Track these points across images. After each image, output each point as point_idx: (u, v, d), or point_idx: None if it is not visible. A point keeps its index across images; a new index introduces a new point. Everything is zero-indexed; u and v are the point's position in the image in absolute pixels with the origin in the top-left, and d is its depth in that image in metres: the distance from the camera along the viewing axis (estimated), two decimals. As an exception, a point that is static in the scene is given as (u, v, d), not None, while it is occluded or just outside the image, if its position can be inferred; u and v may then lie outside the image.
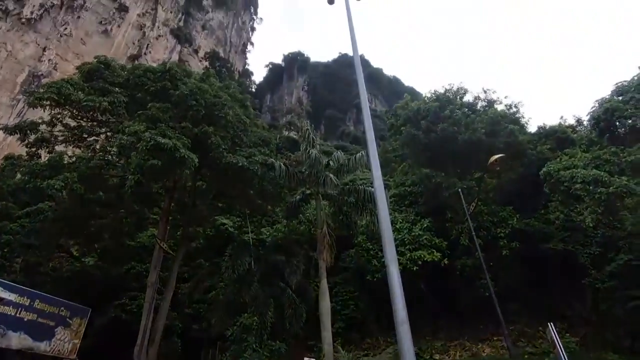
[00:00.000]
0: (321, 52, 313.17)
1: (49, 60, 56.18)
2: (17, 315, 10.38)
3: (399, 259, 8.40)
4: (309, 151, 16.18)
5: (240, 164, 15.26)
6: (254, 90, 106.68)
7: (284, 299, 15.23)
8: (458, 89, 22.11)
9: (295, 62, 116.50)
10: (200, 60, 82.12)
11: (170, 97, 15.96)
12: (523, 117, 21.95)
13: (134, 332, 17.33)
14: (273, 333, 14.42)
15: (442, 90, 22.22)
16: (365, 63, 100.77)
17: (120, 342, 19.99)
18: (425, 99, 23.44)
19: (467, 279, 17.96)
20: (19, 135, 15.31)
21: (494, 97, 22.12)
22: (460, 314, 18.64)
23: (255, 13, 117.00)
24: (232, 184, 18.44)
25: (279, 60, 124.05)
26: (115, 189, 18.61)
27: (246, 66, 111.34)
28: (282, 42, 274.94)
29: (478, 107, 21.90)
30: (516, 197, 20.70)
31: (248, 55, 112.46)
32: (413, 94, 42.70)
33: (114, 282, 23.25)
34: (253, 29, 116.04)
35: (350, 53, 10.94)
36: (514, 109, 21.39)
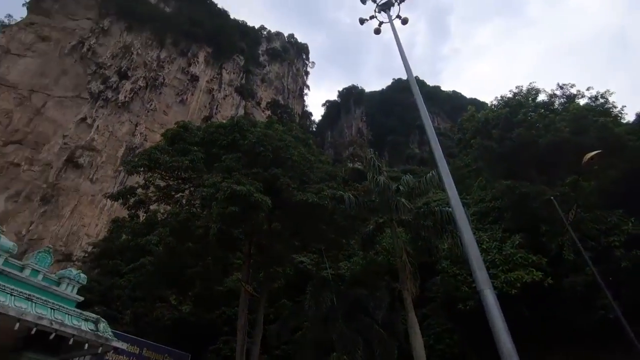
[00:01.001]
0: (374, 82, 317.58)
1: (140, 133, 65.03)
2: (131, 363, 11.40)
3: (492, 282, 7.55)
4: (376, 179, 15.93)
5: (311, 200, 15.54)
6: (314, 129, 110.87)
7: (371, 335, 14.52)
8: (529, 90, 20.43)
9: (351, 96, 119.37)
10: (263, 110, 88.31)
11: (240, 147, 17.21)
12: (614, 108, 19.32)
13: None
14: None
15: (510, 95, 20.72)
16: (420, 83, 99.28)
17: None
18: (492, 107, 22.03)
19: (580, 299, 15.47)
20: (121, 200, 17.58)
21: (573, 91, 19.98)
22: (578, 342, 15.93)
23: (307, 59, 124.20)
24: (304, 221, 18.79)
25: (334, 96, 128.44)
26: (201, 238, 20.13)
27: (305, 108, 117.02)
28: (335, 80, 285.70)
29: (556, 106, 19.90)
30: (624, 197, 17.78)
31: (305, 97, 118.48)
32: (476, 105, 40.54)
33: (207, 327, 24.55)
34: (307, 73, 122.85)
35: (404, 76, 10.83)
36: (601, 100, 18.99)
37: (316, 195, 16.00)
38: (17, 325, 6.30)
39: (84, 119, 61.48)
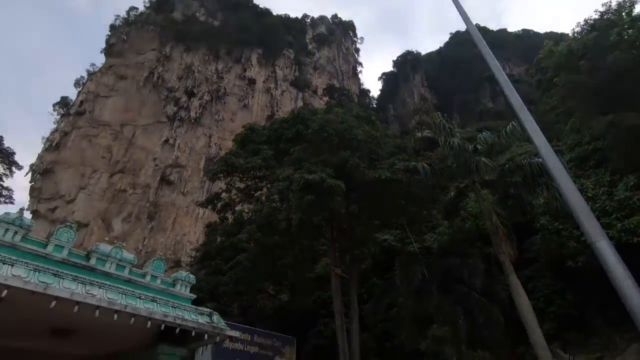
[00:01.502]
0: (430, 42, 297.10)
1: (215, 144, 70.22)
2: (244, 349, 12.60)
3: (607, 233, 6.63)
4: (449, 142, 14.99)
5: (384, 177, 15.29)
6: (374, 105, 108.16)
7: (470, 303, 13.90)
8: (620, 3, 17.16)
9: (407, 63, 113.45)
10: (321, 98, 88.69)
11: (305, 137, 17.56)
12: None
13: (335, 355, 18.68)
14: (471, 342, 13.21)
15: (596, 16, 17.67)
16: (482, 30, 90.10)
17: (326, 365, 21.85)
18: (575, 35, 19.05)
19: None
20: (210, 206, 19.27)
21: (683, -8, 16.26)
22: None
23: (355, 35, 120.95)
24: (381, 198, 18.58)
25: (389, 67, 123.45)
26: (286, 231, 21.20)
27: (361, 86, 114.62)
28: (388, 50, 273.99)
29: (660, 14, 16.41)
30: None
31: (360, 76, 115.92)
32: (554, 38, 35.41)
33: (306, 312, 25.92)
34: (357, 51, 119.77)
35: (462, 28, 9.87)
36: None
37: (388, 171, 15.68)
38: (149, 323, 7.36)
39: (166, 141, 68.43)
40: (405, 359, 21.68)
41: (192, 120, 71.28)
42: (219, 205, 19.16)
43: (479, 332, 14.07)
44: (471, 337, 13.82)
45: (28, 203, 60.92)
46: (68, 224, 8.26)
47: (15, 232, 7.01)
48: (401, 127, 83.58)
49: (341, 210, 21.62)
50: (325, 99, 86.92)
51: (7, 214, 7.18)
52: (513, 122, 14.89)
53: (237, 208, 19.83)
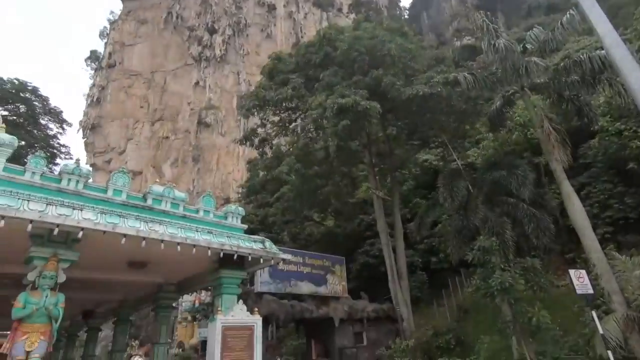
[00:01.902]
0: None
1: (244, 80, 69.18)
2: (298, 270, 13.68)
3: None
4: (493, 44, 13.47)
5: (421, 93, 14.40)
6: (406, 17, 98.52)
7: (519, 214, 13.69)
8: None
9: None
10: (347, 15, 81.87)
11: (334, 59, 16.61)
12: None
13: (383, 272, 19.87)
14: (519, 251, 13.29)
15: None
16: None
17: (375, 281, 23.42)
18: None
19: None
20: (248, 143, 19.62)
21: None
22: None
23: None
24: (420, 117, 17.80)
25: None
26: (324, 160, 21.36)
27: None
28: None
29: None
30: None
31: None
32: None
33: (351, 235, 27.20)
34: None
35: None
36: None
37: (426, 85, 14.69)
38: (209, 252, 8.04)
39: (197, 83, 68.50)
40: (450, 272, 22.62)
41: (218, 59, 69.86)
42: (256, 140, 19.42)
43: (527, 241, 14.05)
44: (519, 246, 13.87)
45: (86, 158, 66.00)
46: (121, 169, 8.80)
47: (77, 181, 7.60)
48: (438, 38, 76.28)
49: (378, 133, 21.14)
50: (352, 16, 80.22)
51: (65, 165, 7.74)
52: (571, 10, 12.92)
53: (274, 142, 20.02)
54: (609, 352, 8.78)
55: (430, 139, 21.99)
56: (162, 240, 7.32)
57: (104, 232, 6.66)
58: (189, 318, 30.02)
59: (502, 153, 20.21)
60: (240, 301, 9.07)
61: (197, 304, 29.73)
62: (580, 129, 17.78)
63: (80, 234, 6.43)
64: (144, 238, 7.06)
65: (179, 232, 7.84)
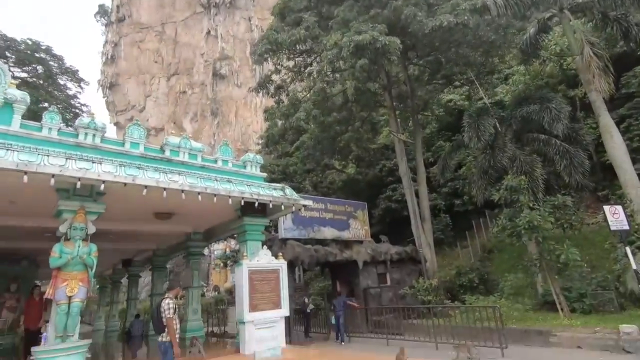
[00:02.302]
0: None
1: (256, 26, 66.10)
2: (320, 216, 13.83)
3: None
4: (530, -41, 11.84)
5: (446, 23, 13.14)
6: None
7: (550, 151, 12.94)
8: None
9: None
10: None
11: (349, -8, 15.25)
12: None
13: (405, 216, 19.89)
14: (548, 190, 12.77)
15: None
16: None
17: (397, 225, 23.62)
18: None
19: None
20: (264, 90, 19.04)
21: None
22: None
23: None
24: (444, 52, 16.50)
25: None
26: (343, 105, 20.65)
27: None
28: None
29: None
30: None
31: None
32: None
33: (373, 181, 27.07)
34: None
35: None
36: None
37: (451, 15, 13.35)
38: (230, 201, 8.10)
39: (208, 33, 66.12)
40: (475, 214, 22.39)
41: (228, 5, 66.48)
42: (272, 88, 18.81)
43: (558, 179, 13.42)
44: (548, 185, 13.30)
45: (108, 117, 67.14)
46: (135, 121, 8.73)
47: (94, 135, 7.60)
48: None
49: (399, 73, 19.98)
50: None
51: (80, 119, 7.71)
52: None
53: (289, 88, 19.34)
54: (641, 287, 8.57)
55: (455, 77, 20.61)
56: (182, 191, 7.36)
57: (125, 184, 6.72)
58: (221, 265, 31.87)
59: (534, 87, 18.80)
60: (265, 247, 9.29)
61: (227, 251, 31.41)
62: (624, 54, 16.08)
63: (102, 186, 6.51)
64: (164, 189, 7.11)
65: (198, 182, 7.85)
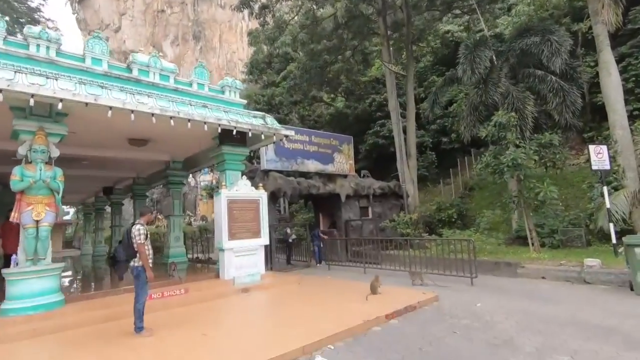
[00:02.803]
0: None
1: None
2: (304, 148, 13.50)
3: None
4: None
5: None
6: None
7: (544, 88, 12.48)
8: None
9: None
10: None
11: None
12: None
13: (392, 153, 19.75)
14: (537, 127, 12.58)
15: None
16: None
17: (383, 161, 23.64)
18: None
19: None
20: (247, 10, 17.32)
21: None
22: None
23: None
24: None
25: None
26: (333, 32, 19.15)
27: None
28: None
29: None
30: None
31: None
32: None
33: (362, 116, 26.39)
34: None
35: None
36: None
37: None
38: (205, 127, 7.62)
39: (187, -59, 58.72)
40: (460, 152, 22.43)
41: None
42: (256, 7, 17.10)
43: (548, 118, 13.18)
44: (537, 124, 13.08)
45: (81, 37, 61.83)
46: (95, 33, 7.78)
47: (48, 47, 6.76)
48: None
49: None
50: None
51: (29, 27, 6.78)
52: None
53: (275, 8, 17.63)
54: (611, 225, 8.86)
55: (456, 3, 19.04)
56: (152, 114, 6.83)
57: (86, 104, 6.14)
58: (207, 195, 32.09)
59: (537, 20, 17.62)
60: (244, 177, 9.07)
61: (214, 182, 31.43)
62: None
63: (60, 105, 5.92)
64: (132, 111, 6.56)
65: (170, 105, 7.29)
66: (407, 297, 6.94)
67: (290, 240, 14.27)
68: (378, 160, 24.54)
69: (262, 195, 9.04)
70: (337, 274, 10.94)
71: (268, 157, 12.33)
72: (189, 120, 7.33)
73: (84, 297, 6.72)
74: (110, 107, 6.35)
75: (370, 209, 15.68)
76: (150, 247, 5.44)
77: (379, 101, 25.26)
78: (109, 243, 17.59)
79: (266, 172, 12.35)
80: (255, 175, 12.44)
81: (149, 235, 5.45)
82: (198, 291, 7.54)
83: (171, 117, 7.09)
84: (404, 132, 18.46)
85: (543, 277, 8.57)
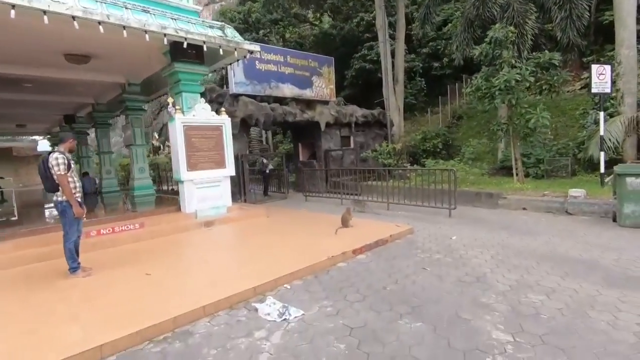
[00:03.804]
0: None
1: None
2: (279, 70, 12.11)
3: None
4: None
5: None
6: None
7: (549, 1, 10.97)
8: None
9: None
10: None
11: None
12: None
13: (379, 79, 18.30)
14: (536, 48, 11.35)
15: None
16: None
17: (370, 89, 22.21)
18: None
19: None
20: None
21: None
22: None
23: None
24: None
25: None
26: None
27: None
28: None
29: None
30: None
31: None
32: None
33: (349, 38, 24.18)
34: None
35: None
36: None
37: None
38: (146, 36, 6.33)
39: None
40: (452, 78, 21.05)
41: None
42: None
43: (548, 38, 11.88)
44: (536, 44, 11.81)
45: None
46: None
47: None
48: None
49: None
50: None
51: None
52: None
53: None
54: (602, 153, 8.29)
55: None
56: (73, 17, 5.50)
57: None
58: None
59: None
60: (203, 100, 7.98)
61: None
62: None
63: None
64: (44, 11, 5.23)
65: (97, 6, 5.90)
66: (380, 230, 6.49)
67: (267, 171, 13.62)
68: (365, 88, 23.08)
69: (225, 121, 8.05)
70: (313, 206, 10.50)
71: (237, 80, 11.00)
72: (124, 27, 6.03)
73: (21, 234, 6.05)
74: (13, 5, 5.01)
75: (352, 139, 14.86)
76: (76, 178, 4.63)
77: (368, 20, 22.95)
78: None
79: (236, 97, 11.13)
80: (223, 100, 11.25)
81: (72, 165, 4.60)
82: (155, 225, 6.96)
83: (100, 23, 5.78)
84: (393, 55, 16.93)
85: (524, 208, 8.20)
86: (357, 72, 22.79)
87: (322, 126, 13.27)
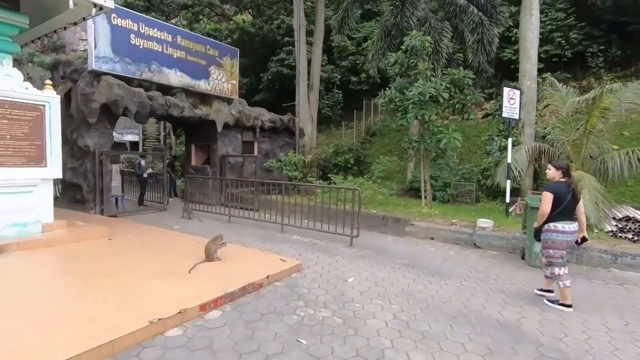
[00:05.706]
0: None
1: None
2: (165, 51, 9.78)
3: None
4: None
5: None
6: None
7: (464, 20, 10.79)
8: None
9: None
10: None
11: None
12: None
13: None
14: (450, 62, 11.09)
15: None
16: None
17: (287, 93, 20.79)
18: None
19: None
20: None
21: None
22: None
23: None
24: None
25: None
26: None
27: None
28: None
29: None
30: None
31: None
32: None
33: (269, 40, 22.63)
34: None
35: None
36: None
37: None
38: None
39: None
40: (368, 94, 20.82)
41: None
42: None
43: (463, 57, 11.76)
44: (450, 64, 11.59)
45: None
46: None
47: None
48: None
49: None
50: None
51: None
52: None
53: None
54: (508, 182, 7.86)
55: None
56: None
57: None
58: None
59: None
60: (10, 64, 5.42)
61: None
62: None
63: None
64: None
65: None
66: (257, 266, 4.75)
67: (145, 176, 11.01)
68: (281, 94, 21.61)
69: (49, 100, 5.57)
70: (193, 224, 8.37)
71: (99, 53, 8.36)
72: None
73: None
74: None
75: (256, 145, 13.05)
76: None
77: (289, 24, 21.63)
78: None
79: (97, 76, 8.47)
80: (79, 77, 8.50)
81: None
82: None
83: None
84: (309, 64, 15.78)
85: (432, 238, 7.28)
86: (273, 76, 21.25)
87: (219, 127, 11.21)
